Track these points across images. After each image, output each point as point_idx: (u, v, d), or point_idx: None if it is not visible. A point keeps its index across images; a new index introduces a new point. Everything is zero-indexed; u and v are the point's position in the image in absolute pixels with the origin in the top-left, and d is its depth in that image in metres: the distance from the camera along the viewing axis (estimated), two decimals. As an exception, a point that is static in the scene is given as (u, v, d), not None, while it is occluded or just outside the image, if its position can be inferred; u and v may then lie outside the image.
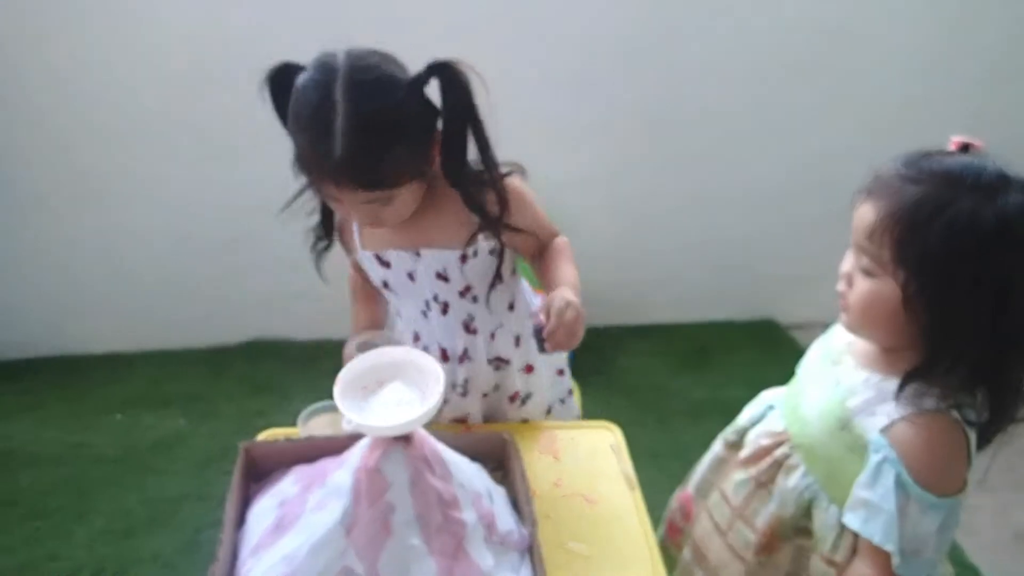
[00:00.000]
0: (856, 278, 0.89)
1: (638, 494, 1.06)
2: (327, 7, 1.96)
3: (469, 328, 1.15)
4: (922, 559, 0.86)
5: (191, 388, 2.23)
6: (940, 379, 0.85)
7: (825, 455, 0.95)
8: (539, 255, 1.16)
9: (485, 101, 0.96)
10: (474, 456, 0.95)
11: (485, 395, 1.20)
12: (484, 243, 1.08)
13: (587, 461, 1.11)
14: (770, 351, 2.50)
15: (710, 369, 2.40)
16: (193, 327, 2.37)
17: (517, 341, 1.19)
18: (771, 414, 1.07)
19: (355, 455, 0.80)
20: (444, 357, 1.16)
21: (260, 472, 0.95)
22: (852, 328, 0.93)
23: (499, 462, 1.00)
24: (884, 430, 0.87)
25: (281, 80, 0.93)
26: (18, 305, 2.26)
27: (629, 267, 2.48)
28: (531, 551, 0.86)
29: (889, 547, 0.85)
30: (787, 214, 2.42)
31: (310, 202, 1.07)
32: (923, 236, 0.80)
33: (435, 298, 1.12)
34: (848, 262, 0.91)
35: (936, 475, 0.85)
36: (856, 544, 0.91)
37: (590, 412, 2.04)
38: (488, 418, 1.22)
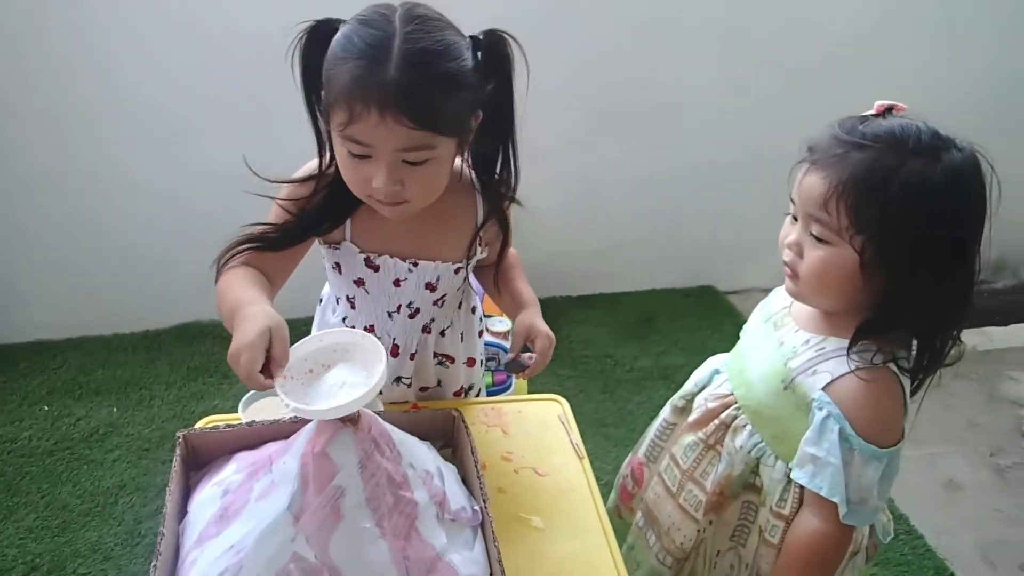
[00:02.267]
0: (806, 247, 0.90)
1: (587, 464, 1.07)
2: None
3: (426, 328, 1.14)
4: (867, 507, 0.90)
5: (124, 375, 2.14)
6: (886, 335, 0.88)
7: (771, 415, 0.98)
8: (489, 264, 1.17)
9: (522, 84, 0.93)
10: (423, 435, 0.93)
11: (424, 388, 1.19)
12: (480, 254, 1.09)
13: (536, 434, 1.12)
14: (710, 317, 2.55)
15: (653, 337, 2.44)
16: (123, 312, 2.27)
17: (462, 337, 1.19)
18: (717, 378, 1.10)
19: (301, 440, 0.78)
20: (395, 353, 1.14)
21: (201, 460, 0.92)
22: (801, 296, 0.95)
23: (448, 439, 0.99)
24: (826, 387, 0.89)
25: (319, 34, 0.87)
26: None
27: (573, 238, 2.49)
28: (483, 527, 0.86)
29: (836, 499, 0.88)
30: (725, 183, 2.47)
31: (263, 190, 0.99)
32: (879, 201, 0.82)
33: (409, 304, 1.09)
34: (794, 232, 0.92)
35: (877, 427, 0.88)
36: (802, 496, 0.95)
37: (537, 383, 2.06)
38: None
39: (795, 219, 0.92)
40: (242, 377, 0.78)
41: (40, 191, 2.06)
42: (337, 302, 1.15)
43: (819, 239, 0.88)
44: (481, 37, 0.90)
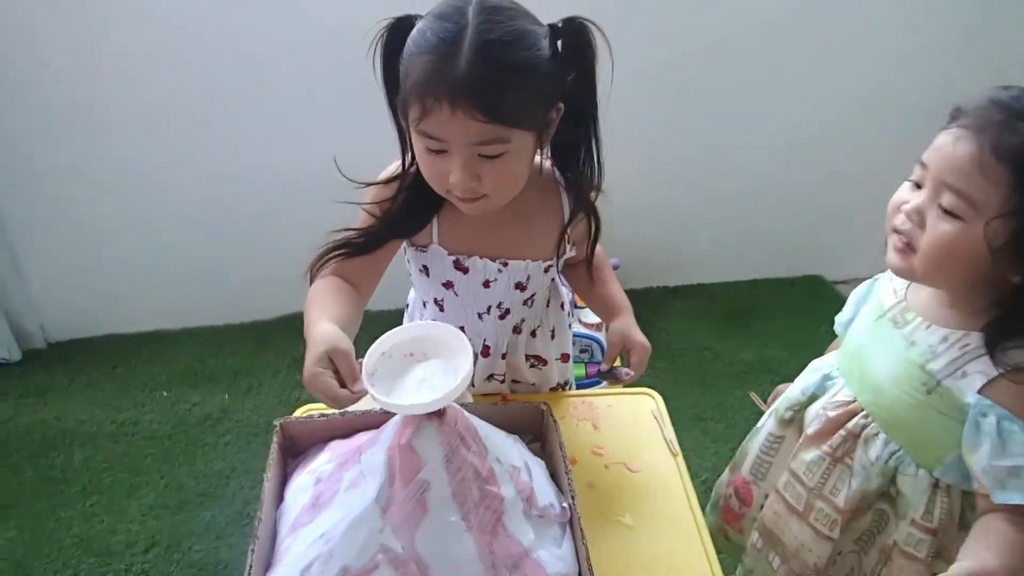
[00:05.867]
0: (930, 218, 0.80)
1: (681, 461, 1.04)
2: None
3: (517, 329, 1.13)
4: None
5: (234, 363, 2.26)
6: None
7: (908, 420, 0.89)
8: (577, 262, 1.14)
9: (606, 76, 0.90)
10: (511, 428, 0.93)
11: (517, 381, 1.18)
12: (569, 251, 1.06)
13: (628, 429, 1.09)
14: (816, 309, 2.42)
15: (754, 329, 2.35)
16: (233, 303, 2.39)
17: (553, 334, 1.17)
18: (831, 385, 1.00)
19: (388, 432, 0.79)
20: (486, 353, 1.13)
21: (298, 448, 0.95)
22: (910, 272, 0.85)
23: (537, 433, 0.98)
24: (983, 390, 0.80)
25: (398, 31, 0.87)
26: (67, 288, 2.30)
27: (667, 226, 2.42)
28: (571, 524, 0.84)
29: None
30: (831, 164, 2.33)
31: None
32: None
33: (499, 304, 1.08)
34: (917, 196, 0.82)
35: None
36: (962, 506, 0.88)
37: (631, 377, 2.02)
38: None
39: (917, 186, 0.82)
40: (327, 403, 0.78)
41: (152, 187, 2.18)
42: (424, 306, 1.15)
43: (949, 212, 0.78)
44: (560, 25, 0.87)
